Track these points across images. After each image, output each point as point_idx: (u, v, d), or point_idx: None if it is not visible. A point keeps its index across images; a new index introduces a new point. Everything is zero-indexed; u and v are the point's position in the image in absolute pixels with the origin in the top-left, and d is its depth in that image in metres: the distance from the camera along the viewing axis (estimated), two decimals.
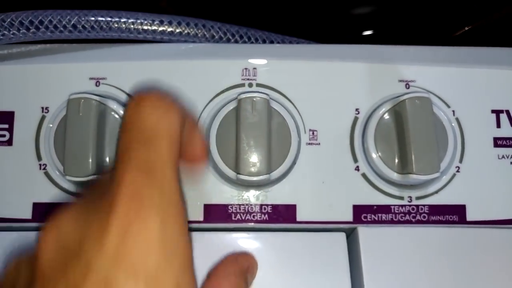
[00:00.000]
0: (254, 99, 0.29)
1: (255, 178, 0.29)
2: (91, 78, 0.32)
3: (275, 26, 0.36)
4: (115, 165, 0.20)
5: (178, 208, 0.19)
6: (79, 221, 0.19)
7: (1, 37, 0.29)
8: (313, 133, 0.32)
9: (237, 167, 0.29)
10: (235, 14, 0.37)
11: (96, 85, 0.32)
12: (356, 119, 0.32)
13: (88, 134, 0.29)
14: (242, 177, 0.29)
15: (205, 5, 0.39)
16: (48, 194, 0.31)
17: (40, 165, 0.31)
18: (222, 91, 0.32)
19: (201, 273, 0.30)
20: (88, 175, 0.29)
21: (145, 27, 0.31)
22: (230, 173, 0.30)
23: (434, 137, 0.30)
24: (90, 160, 0.29)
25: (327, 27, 0.42)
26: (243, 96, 0.29)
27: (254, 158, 0.29)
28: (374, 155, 0.31)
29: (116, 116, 0.31)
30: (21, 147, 0.31)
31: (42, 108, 0.32)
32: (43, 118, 0.32)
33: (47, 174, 0.31)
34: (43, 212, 0.31)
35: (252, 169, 0.29)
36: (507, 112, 0.33)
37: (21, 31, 0.29)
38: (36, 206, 0.31)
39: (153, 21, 0.31)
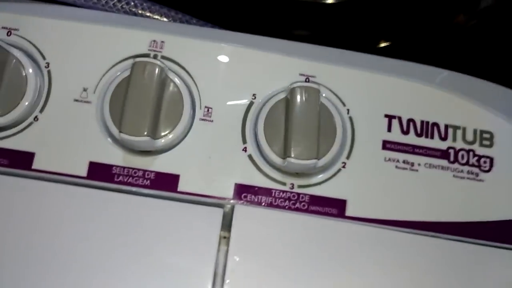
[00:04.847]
0: (147, 65, 0.31)
1: (136, 139, 0.30)
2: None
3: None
4: None
5: None
6: None
7: None
8: (208, 110, 0.33)
9: (120, 126, 0.30)
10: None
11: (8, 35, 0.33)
12: (251, 103, 0.33)
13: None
14: (123, 136, 0.30)
15: None
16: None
17: None
18: (126, 59, 0.33)
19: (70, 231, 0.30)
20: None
21: None
22: (115, 132, 0.31)
23: (316, 126, 0.31)
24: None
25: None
26: (137, 59, 0.31)
27: (139, 122, 0.30)
28: (261, 139, 0.32)
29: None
30: None
31: None
32: None
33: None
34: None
35: (135, 131, 0.30)
36: (399, 118, 0.34)
37: None
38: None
39: None
